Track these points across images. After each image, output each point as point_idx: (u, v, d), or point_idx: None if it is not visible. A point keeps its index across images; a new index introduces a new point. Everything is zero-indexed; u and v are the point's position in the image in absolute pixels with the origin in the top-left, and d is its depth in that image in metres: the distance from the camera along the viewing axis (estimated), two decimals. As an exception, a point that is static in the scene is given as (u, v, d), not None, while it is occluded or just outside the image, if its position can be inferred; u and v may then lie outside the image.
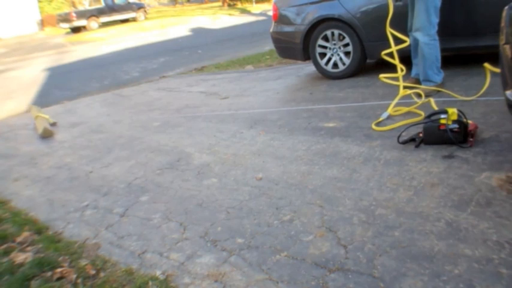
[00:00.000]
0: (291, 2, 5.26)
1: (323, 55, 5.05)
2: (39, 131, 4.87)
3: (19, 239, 2.55)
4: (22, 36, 25.80)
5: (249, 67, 7.16)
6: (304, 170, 2.87)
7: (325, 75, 5.14)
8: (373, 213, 2.22)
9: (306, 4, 5.08)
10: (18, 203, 3.17)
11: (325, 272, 1.86)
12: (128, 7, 24.12)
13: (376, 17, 4.44)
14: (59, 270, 2.16)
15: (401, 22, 4.03)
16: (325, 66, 5.07)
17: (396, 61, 3.81)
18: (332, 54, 4.98)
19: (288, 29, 5.32)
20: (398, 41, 3.83)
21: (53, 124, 5.19)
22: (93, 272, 2.14)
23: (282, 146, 3.36)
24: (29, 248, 2.45)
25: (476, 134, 2.84)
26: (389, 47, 3.84)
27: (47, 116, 5.40)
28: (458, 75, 4.19)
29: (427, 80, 3.88)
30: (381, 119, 3.46)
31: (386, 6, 3.88)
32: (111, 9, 23.44)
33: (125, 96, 6.52)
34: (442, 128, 2.77)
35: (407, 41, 3.86)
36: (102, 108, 5.96)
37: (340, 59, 4.95)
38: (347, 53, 4.88)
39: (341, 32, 4.81)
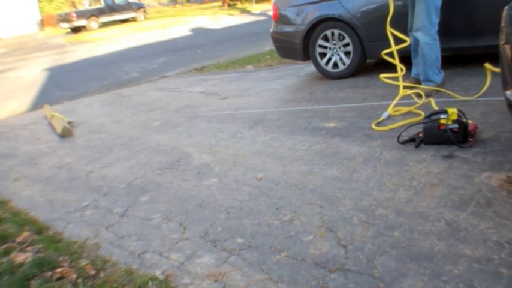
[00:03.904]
0: (291, 2, 5.26)
1: (323, 55, 5.04)
2: (58, 131, 4.83)
3: (19, 239, 2.55)
4: (22, 36, 25.80)
5: (249, 67, 7.16)
6: (304, 170, 2.87)
7: (325, 75, 5.14)
8: (373, 213, 2.22)
9: (306, 4, 5.08)
10: (18, 203, 3.17)
11: (325, 272, 1.86)
12: (127, 7, 24.12)
13: (376, 17, 4.44)
14: (59, 270, 2.16)
15: (402, 22, 4.03)
16: (325, 66, 5.07)
17: (396, 61, 3.81)
18: (332, 54, 4.98)
19: (288, 29, 5.32)
20: (398, 40, 3.84)
21: (70, 123, 5.13)
22: (93, 272, 2.14)
23: (282, 146, 3.36)
24: (29, 248, 2.45)
25: (476, 134, 2.83)
26: (389, 46, 3.84)
27: (61, 116, 5.38)
28: (458, 75, 4.19)
29: (428, 80, 3.88)
30: (381, 119, 3.46)
31: (387, 6, 3.89)
32: (111, 9, 23.44)
33: (125, 96, 6.52)
34: (442, 128, 2.78)
35: (408, 41, 3.86)
36: (102, 108, 5.96)
37: (340, 59, 4.95)
38: (347, 53, 4.88)
39: (341, 32, 4.81)
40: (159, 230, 2.46)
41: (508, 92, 2.28)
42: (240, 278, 1.92)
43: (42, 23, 28.40)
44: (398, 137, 2.99)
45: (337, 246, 2.01)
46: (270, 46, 7.29)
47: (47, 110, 5.89)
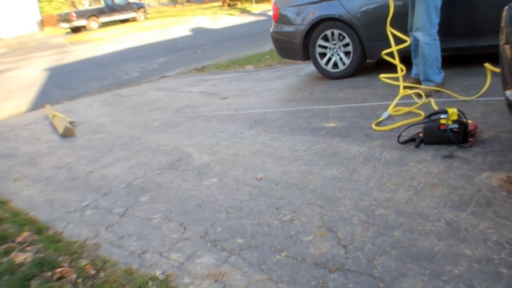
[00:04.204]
0: (291, 2, 5.26)
1: (323, 55, 5.04)
2: (60, 131, 4.81)
3: (19, 239, 2.55)
4: (22, 36, 25.80)
5: (249, 67, 7.16)
6: (304, 170, 2.87)
7: (325, 75, 5.14)
8: (373, 213, 2.22)
9: (306, 4, 5.08)
10: (18, 203, 3.17)
11: (325, 272, 1.86)
12: (127, 7, 24.12)
13: (376, 17, 4.44)
14: (59, 270, 2.16)
15: (402, 22, 4.03)
16: (325, 66, 5.07)
17: (396, 61, 3.81)
18: (332, 54, 4.98)
19: (288, 29, 5.32)
20: (398, 40, 3.83)
21: (71, 123, 5.09)
22: (93, 272, 2.14)
23: (282, 146, 3.36)
24: (29, 248, 2.45)
25: (476, 134, 2.84)
26: (389, 46, 3.84)
27: (63, 116, 5.36)
28: (458, 75, 4.19)
29: (428, 80, 3.88)
30: (381, 119, 3.46)
31: (387, 6, 3.89)
32: (111, 9, 23.44)
33: (125, 96, 6.52)
34: (442, 128, 2.78)
35: (408, 41, 3.86)
36: (102, 108, 5.96)
37: (340, 59, 4.95)
38: (347, 53, 4.88)
39: (341, 32, 4.81)
40: (159, 230, 2.46)
41: (508, 92, 2.28)
42: (240, 278, 1.92)
43: (42, 23, 28.40)
44: (398, 137, 2.99)
45: (337, 246, 2.01)
46: (270, 46, 7.29)
47: (48, 110, 5.88)
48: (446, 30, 3.91)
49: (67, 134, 4.74)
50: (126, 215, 2.71)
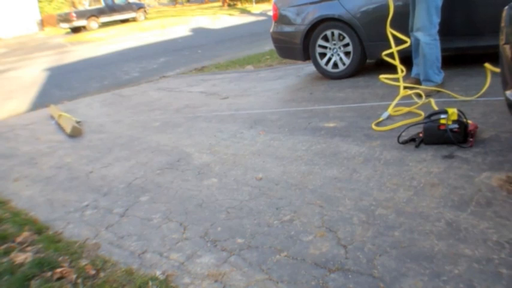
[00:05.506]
0: (291, 2, 5.26)
1: (323, 55, 5.04)
2: (68, 130, 4.77)
3: (19, 239, 2.55)
4: (22, 36, 25.81)
5: (249, 67, 7.16)
6: (304, 170, 2.87)
7: (325, 75, 5.14)
8: (373, 213, 2.22)
9: (306, 4, 5.08)
10: (18, 203, 3.17)
11: (325, 272, 1.86)
12: (127, 7, 24.13)
13: (376, 17, 4.44)
14: (59, 270, 2.16)
15: (402, 22, 4.03)
16: (325, 66, 5.07)
17: (396, 62, 3.81)
18: (332, 54, 4.98)
19: (288, 29, 5.32)
20: (398, 41, 3.83)
21: (78, 123, 5.04)
22: (93, 272, 2.14)
23: (282, 146, 3.36)
24: (29, 248, 2.45)
25: (476, 134, 2.84)
26: (389, 47, 3.84)
27: (69, 115, 5.35)
28: (458, 75, 4.19)
29: (428, 80, 3.88)
30: (381, 119, 3.46)
31: (387, 6, 3.89)
32: (111, 9, 23.45)
33: (125, 96, 6.52)
34: (442, 128, 2.78)
35: (408, 41, 3.86)
36: (102, 108, 5.96)
37: (340, 59, 4.95)
38: (347, 53, 4.88)
39: (341, 32, 4.81)
40: (159, 230, 2.46)
41: (508, 92, 2.29)
42: (240, 278, 1.92)
43: (42, 23, 28.40)
44: (399, 137, 2.99)
45: (337, 246, 2.01)
46: (270, 46, 7.29)
47: (53, 109, 5.86)
48: (446, 30, 3.91)
49: (75, 133, 4.71)
50: (126, 215, 2.71)
